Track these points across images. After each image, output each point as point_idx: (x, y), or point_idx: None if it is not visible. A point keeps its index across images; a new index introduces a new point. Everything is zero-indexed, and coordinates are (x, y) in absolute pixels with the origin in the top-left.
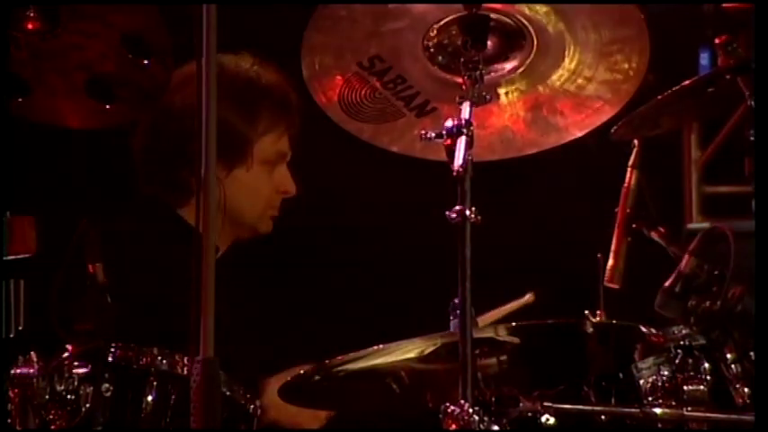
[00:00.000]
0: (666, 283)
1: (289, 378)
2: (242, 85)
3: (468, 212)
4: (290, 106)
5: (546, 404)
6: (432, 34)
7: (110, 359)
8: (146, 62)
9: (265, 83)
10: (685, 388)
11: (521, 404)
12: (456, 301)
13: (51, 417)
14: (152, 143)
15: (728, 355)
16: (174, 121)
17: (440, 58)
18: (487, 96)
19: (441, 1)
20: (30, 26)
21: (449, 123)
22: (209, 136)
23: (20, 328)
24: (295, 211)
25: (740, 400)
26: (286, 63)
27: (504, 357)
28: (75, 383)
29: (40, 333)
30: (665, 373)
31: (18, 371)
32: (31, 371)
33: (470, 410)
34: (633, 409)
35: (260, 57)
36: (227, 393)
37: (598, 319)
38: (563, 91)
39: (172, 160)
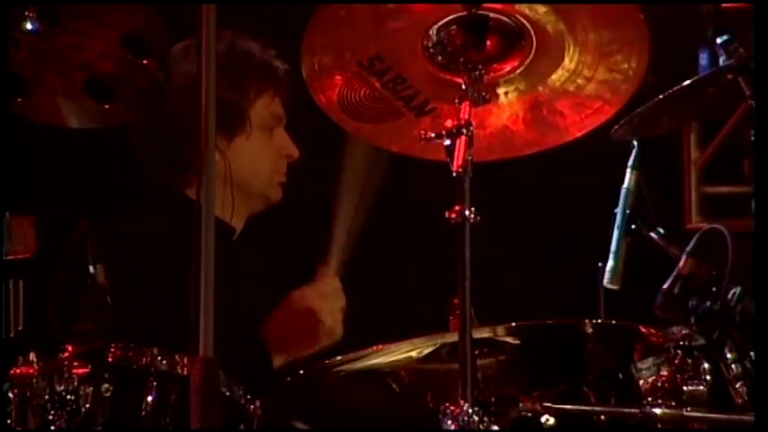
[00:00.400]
0: (666, 284)
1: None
2: (223, 57)
3: (467, 212)
4: (275, 70)
5: (545, 404)
6: (431, 34)
7: (109, 359)
8: (145, 62)
9: (245, 50)
10: (685, 388)
11: (520, 404)
12: (455, 301)
13: (51, 417)
14: (149, 127)
15: (728, 356)
16: (169, 100)
17: (439, 58)
18: (487, 96)
19: (440, 0)
20: (29, 26)
21: (448, 123)
22: (208, 137)
23: (19, 328)
24: (294, 210)
25: (740, 401)
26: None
27: (503, 358)
28: (75, 384)
29: (40, 333)
30: (665, 373)
31: (17, 371)
32: (31, 371)
33: (470, 410)
34: (633, 410)
35: (237, 30)
36: (227, 394)
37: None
38: (562, 91)
39: (171, 139)
